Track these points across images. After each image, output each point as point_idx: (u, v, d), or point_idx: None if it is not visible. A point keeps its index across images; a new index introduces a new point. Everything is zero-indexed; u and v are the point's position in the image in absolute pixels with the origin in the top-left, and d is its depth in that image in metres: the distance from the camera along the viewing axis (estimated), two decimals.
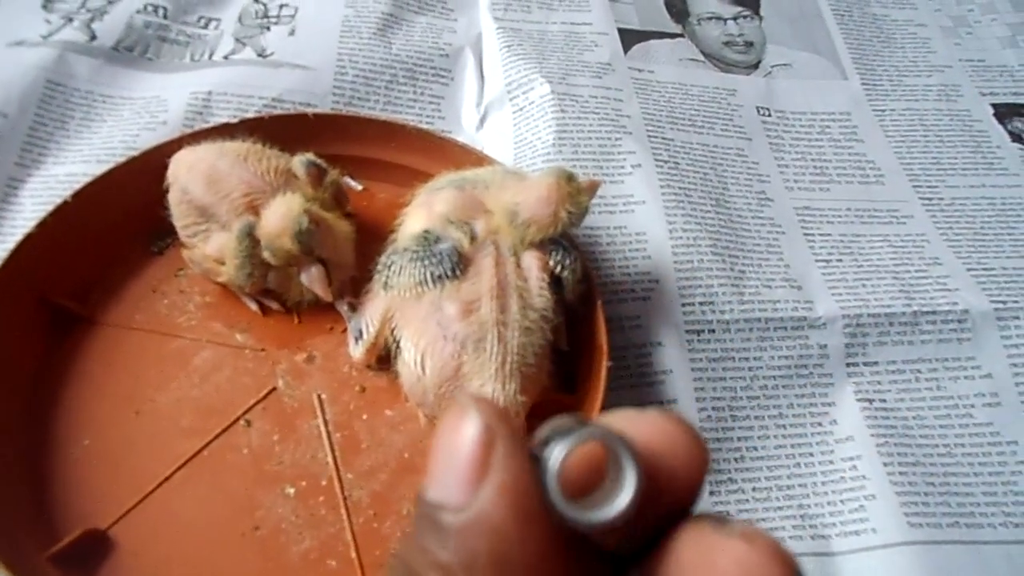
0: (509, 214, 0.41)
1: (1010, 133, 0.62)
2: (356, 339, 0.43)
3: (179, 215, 0.45)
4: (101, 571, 0.36)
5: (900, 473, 0.43)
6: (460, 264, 0.40)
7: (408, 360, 0.40)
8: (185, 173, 0.44)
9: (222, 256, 0.44)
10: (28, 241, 0.43)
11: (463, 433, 0.15)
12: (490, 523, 0.15)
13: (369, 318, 0.42)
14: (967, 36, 0.70)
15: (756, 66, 0.65)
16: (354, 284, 0.46)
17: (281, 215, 0.42)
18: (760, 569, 0.15)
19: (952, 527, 0.42)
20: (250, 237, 0.42)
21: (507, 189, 0.43)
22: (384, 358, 0.43)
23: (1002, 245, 0.55)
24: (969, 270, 0.53)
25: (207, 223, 0.44)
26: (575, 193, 0.41)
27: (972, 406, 0.47)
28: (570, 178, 0.41)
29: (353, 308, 0.45)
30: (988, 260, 0.53)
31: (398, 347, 0.41)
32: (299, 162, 0.45)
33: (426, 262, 0.40)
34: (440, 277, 0.40)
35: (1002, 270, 0.53)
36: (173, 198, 0.45)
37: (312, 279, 0.43)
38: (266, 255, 0.42)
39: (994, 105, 0.64)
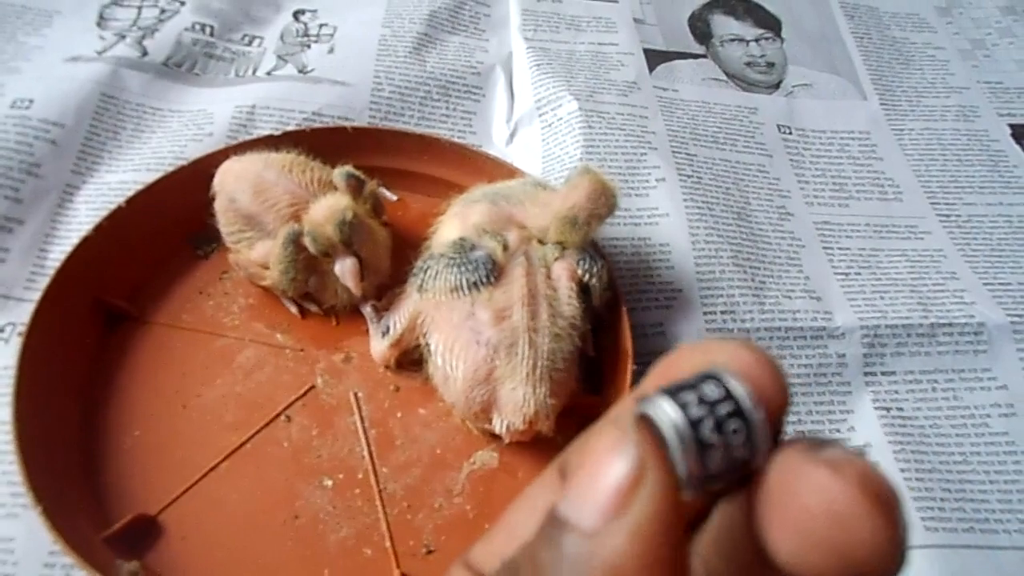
0: (568, 221, 0.43)
1: None
2: (383, 334, 0.45)
3: (225, 222, 0.47)
4: (150, 553, 0.38)
5: (916, 479, 0.45)
6: (494, 271, 0.42)
7: (441, 364, 0.42)
8: (232, 182, 0.46)
9: (267, 261, 0.46)
10: (85, 244, 0.45)
11: (614, 462, 0.15)
12: (612, 563, 0.14)
13: (399, 316, 0.44)
14: (985, 59, 0.72)
15: (777, 86, 0.67)
16: (380, 289, 0.48)
17: (329, 206, 0.44)
18: (844, 501, 0.13)
19: (968, 532, 0.43)
20: (295, 243, 0.44)
21: (539, 203, 0.44)
22: (417, 361, 0.45)
23: (1019, 261, 0.56)
24: (985, 284, 0.54)
25: (252, 231, 0.47)
26: (606, 181, 0.43)
27: (988, 416, 0.48)
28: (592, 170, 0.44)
29: (376, 310, 0.47)
30: (1004, 275, 0.55)
31: (429, 351, 0.43)
32: (339, 174, 0.48)
33: (462, 268, 0.41)
34: (475, 284, 0.41)
35: (1018, 285, 0.54)
36: (219, 206, 0.47)
37: (345, 271, 0.45)
38: (307, 241, 0.44)
39: (1012, 126, 0.66)
